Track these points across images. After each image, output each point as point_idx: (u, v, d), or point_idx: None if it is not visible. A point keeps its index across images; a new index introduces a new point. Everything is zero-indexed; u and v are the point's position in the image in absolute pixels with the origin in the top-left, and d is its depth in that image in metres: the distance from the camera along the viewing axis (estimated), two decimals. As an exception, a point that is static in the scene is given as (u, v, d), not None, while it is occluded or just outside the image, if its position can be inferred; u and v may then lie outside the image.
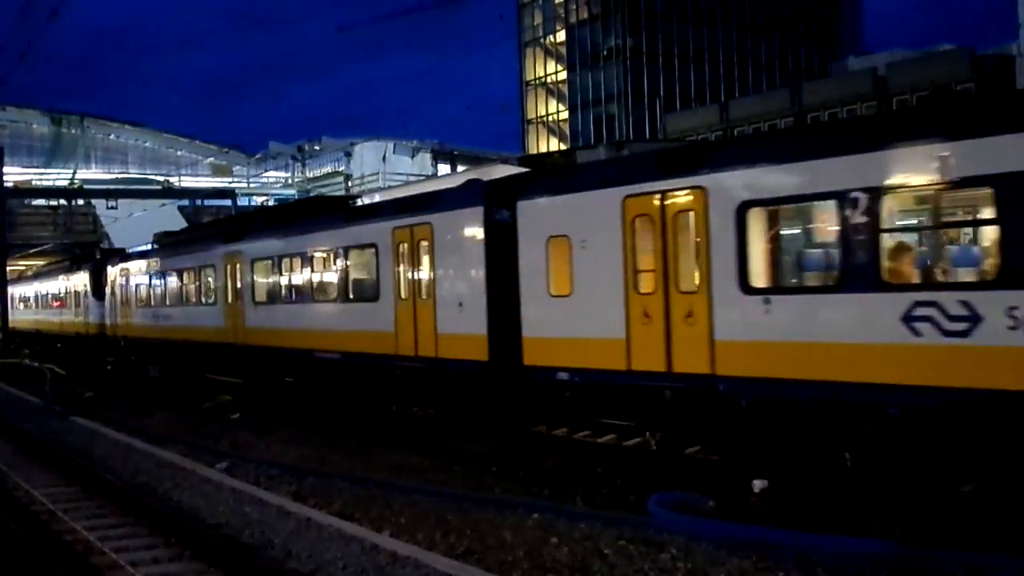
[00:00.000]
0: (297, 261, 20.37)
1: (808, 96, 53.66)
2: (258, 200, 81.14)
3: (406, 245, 16.63)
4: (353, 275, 18.66)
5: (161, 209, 59.40)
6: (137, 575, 7.82)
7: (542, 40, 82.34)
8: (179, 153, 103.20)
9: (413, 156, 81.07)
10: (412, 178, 64.16)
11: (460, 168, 66.47)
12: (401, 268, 16.88)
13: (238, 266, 22.84)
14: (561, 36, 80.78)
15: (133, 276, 31.31)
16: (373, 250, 17.59)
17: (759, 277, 10.98)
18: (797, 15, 77.23)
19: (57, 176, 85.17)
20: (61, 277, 41.99)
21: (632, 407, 13.11)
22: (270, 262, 21.54)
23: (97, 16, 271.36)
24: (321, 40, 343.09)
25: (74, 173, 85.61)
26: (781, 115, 53.14)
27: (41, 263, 57.47)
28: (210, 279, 24.80)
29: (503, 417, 15.22)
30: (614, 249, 12.65)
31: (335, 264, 19.04)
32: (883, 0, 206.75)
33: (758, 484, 10.63)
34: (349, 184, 77.52)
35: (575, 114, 79.15)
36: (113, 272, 33.28)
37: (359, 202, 23.94)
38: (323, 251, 19.52)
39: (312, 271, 19.91)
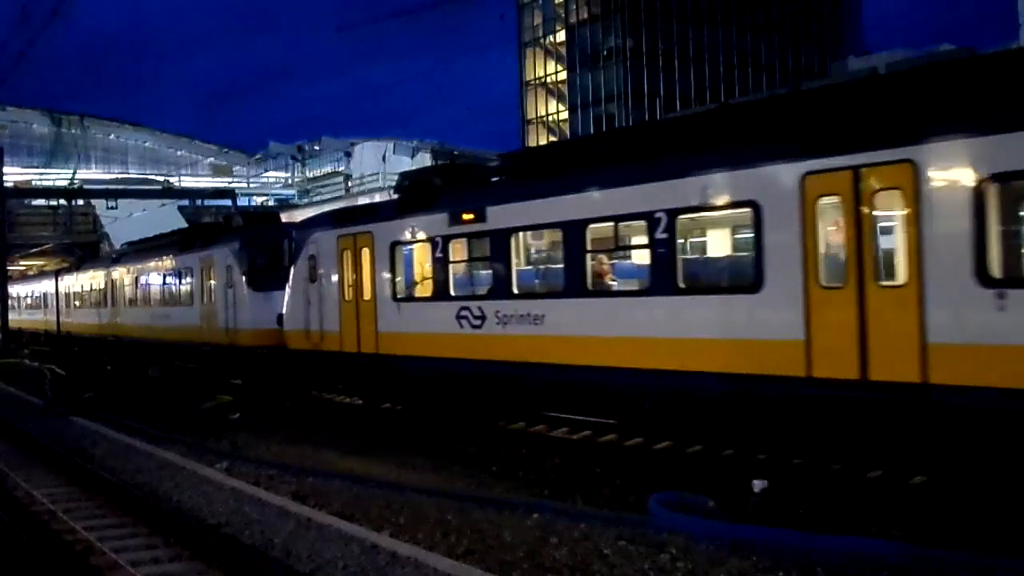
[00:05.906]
0: None
1: (808, 96, 53.63)
2: (258, 200, 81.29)
3: None
4: None
5: (161, 209, 59.39)
6: (137, 575, 7.83)
7: (542, 40, 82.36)
8: (179, 153, 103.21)
9: (413, 156, 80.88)
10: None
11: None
12: None
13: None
14: (561, 36, 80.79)
15: (388, 247, 16.95)
16: None
17: None
18: (797, 15, 77.32)
19: (57, 176, 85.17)
20: (168, 260, 28.09)
21: None
22: None
23: (98, 17, 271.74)
24: (321, 41, 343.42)
25: (74, 173, 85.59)
26: (781, 115, 53.06)
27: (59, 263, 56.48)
28: (734, 235, 13.22)
29: None
30: None
31: None
32: (883, 0, 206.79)
33: (758, 484, 10.64)
34: (349, 184, 77.47)
35: (575, 114, 79.12)
36: (313, 243, 19.19)
37: None
38: None
39: None
